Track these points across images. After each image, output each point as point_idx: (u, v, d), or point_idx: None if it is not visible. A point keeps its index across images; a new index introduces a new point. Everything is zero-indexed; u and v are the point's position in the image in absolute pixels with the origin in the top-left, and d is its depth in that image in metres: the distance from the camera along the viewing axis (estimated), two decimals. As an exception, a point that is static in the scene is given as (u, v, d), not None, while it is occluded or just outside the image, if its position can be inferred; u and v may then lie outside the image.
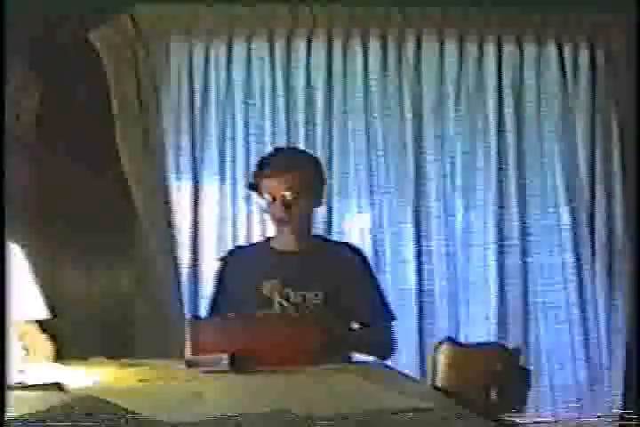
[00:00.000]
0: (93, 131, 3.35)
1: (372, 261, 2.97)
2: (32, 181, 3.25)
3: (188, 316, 3.31)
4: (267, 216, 2.77)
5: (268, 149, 3.36)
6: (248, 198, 3.43)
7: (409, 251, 3.50)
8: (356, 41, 3.52)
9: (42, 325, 2.49)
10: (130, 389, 1.98)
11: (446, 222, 3.54)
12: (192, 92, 3.48)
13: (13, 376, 2.05)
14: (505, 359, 2.44)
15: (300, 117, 3.51)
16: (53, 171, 3.32)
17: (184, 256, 3.44)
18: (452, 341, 2.62)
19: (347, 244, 2.93)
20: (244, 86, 3.50)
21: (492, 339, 3.41)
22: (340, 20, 3.50)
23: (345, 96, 3.53)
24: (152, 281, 3.40)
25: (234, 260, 2.83)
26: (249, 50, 3.50)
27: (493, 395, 2.32)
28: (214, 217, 3.48)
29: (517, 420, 2.30)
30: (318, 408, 1.61)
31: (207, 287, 3.16)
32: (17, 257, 2.44)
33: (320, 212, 3.31)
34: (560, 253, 3.56)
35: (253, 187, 2.74)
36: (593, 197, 3.58)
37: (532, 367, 3.29)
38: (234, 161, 3.49)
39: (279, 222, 2.70)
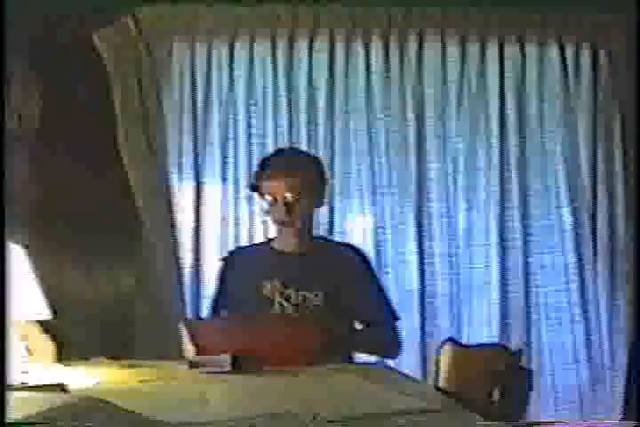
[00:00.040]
0: (93, 131, 3.35)
1: (373, 262, 2.97)
2: (32, 180, 3.26)
3: (189, 316, 3.32)
4: (267, 217, 2.76)
5: (270, 149, 3.36)
6: (250, 199, 3.43)
7: (411, 251, 3.50)
8: (358, 41, 3.51)
9: (43, 325, 2.50)
10: (131, 389, 1.99)
11: (448, 223, 3.54)
12: (194, 92, 3.48)
13: (16, 377, 2.05)
14: (507, 360, 2.44)
15: (302, 117, 3.51)
16: (53, 171, 3.32)
17: (186, 256, 3.44)
18: (453, 341, 2.62)
19: (347, 244, 2.94)
20: (246, 86, 3.50)
21: (494, 339, 3.40)
22: (342, 20, 3.50)
23: (347, 96, 3.53)
24: (153, 281, 3.40)
25: (235, 260, 2.83)
26: (251, 50, 3.50)
27: (495, 396, 2.32)
28: (216, 217, 3.48)
29: (519, 420, 2.30)
30: (321, 409, 1.61)
31: (209, 287, 3.17)
32: (19, 258, 2.44)
33: (322, 212, 3.31)
34: (562, 253, 3.55)
35: (254, 188, 2.74)
36: (595, 197, 3.57)
37: (533, 368, 3.29)
38: (236, 161, 3.49)
39: (280, 224, 2.70)
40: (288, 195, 2.64)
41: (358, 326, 2.74)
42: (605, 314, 3.53)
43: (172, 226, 3.42)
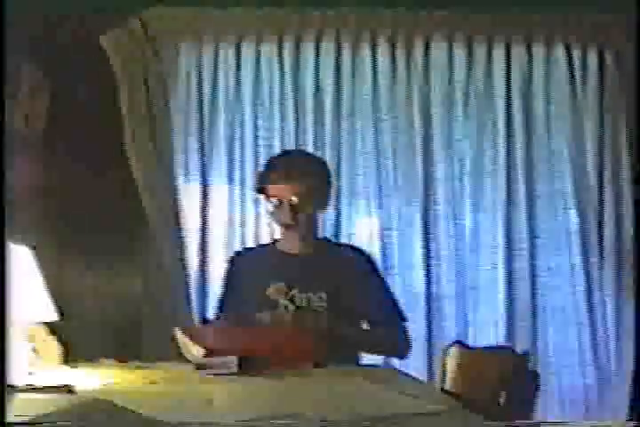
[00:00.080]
0: (94, 131, 3.34)
1: (380, 264, 2.96)
2: (37, 181, 3.26)
3: (194, 317, 3.32)
4: (272, 218, 2.76)
5: (277, 149, 3.36)
6: (256, 200, 3.42)
7: (417, 253, 3.50)
8: (365, 43, 3.51)
9: (49, 327, 2.50)
10: (138, 391, 1.99)
11: (455, 225, 3.54)
12: (201, 93, 3.49)
13: (23, 379, 2.05)
14: (513, 362, 2.44)
15: (309, 119, 3.51)
16: (54, 171, 3.32)
17: (192, 258, 3.44)
18: (460, 344, 2.62)
19: (349, 245, 2.95)
20: (253, 88, 3.51)
21: (501, 342, 3.40)
22: (349, 21, 3.50)
23: (353, 98, 3.53)
24: (160, 283, 3.40)
25: (240, 261, 2.83)
26: (257, 51, 3.50)
27: (502, 398, 2.31)
28: (222, 218, 3.48)
29: (526, 422, 2.30)
30: (328, 412, 1.61)
31: (215, 288, 3.16)
32: (26, 259, 2.44)
33: (328, 214, 3.31)
34: (568, 255, 3.55)
35: (260, 190, 2.74)
36: (601, 199, 3.56)
37: (540, 370, 3.28)
38: (242, 162, 3.49)
39: (285, 226, 2.70)
40: (293, 197, 2.63)
41: (365, 326, 2.74)
42: (612, 316, 3.52)
43: (179, 227, 3.42)
